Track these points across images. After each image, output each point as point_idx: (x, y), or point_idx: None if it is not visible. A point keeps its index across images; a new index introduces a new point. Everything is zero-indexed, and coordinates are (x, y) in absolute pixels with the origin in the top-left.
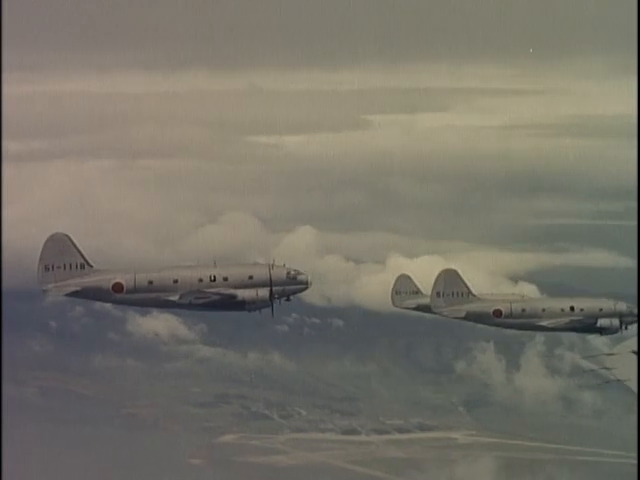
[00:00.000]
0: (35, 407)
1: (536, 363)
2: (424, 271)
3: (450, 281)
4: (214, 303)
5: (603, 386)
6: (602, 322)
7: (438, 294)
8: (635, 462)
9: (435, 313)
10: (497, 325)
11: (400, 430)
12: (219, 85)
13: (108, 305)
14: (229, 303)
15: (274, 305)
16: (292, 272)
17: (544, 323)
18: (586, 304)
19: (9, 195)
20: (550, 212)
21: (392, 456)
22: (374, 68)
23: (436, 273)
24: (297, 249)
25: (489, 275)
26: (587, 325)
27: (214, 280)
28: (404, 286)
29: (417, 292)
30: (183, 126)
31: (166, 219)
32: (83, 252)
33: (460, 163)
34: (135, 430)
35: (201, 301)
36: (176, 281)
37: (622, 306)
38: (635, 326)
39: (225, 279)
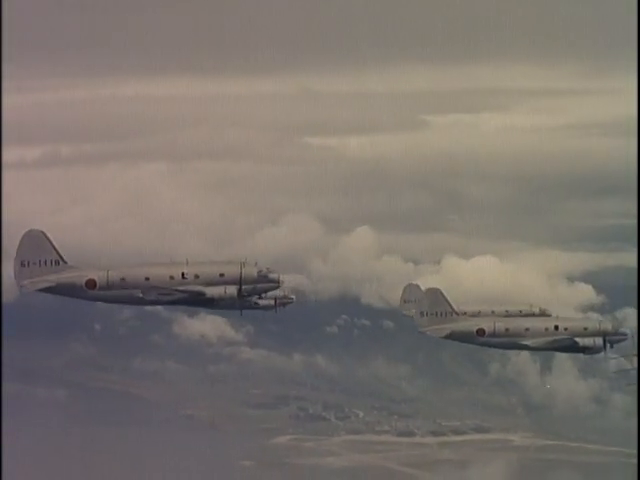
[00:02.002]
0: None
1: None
2: (478, 271)
3: (434, 300)
4: (182, 300)
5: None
6: (585, 342)
7: (422, 313)
8: None
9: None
10: (481, 344)
11: (456, 432)
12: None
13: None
14: (198, 300)
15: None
16: (263, 270)
17: (527, 342)
18: (570, 323)
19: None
20: (610, 213)
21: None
22: (433, 69)
23: (489, 274)
24: (355, 250)
25: (545, 275)
26: (571, 345)
27: (185, 277)
28: (412, 295)
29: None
30: (237, 129)
31: (225, 221)
32: (58, 249)
33: (522, 164)
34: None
35: (166, 298)
36: (148, 278)
37: (607, 325)
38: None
39: (196, 277)
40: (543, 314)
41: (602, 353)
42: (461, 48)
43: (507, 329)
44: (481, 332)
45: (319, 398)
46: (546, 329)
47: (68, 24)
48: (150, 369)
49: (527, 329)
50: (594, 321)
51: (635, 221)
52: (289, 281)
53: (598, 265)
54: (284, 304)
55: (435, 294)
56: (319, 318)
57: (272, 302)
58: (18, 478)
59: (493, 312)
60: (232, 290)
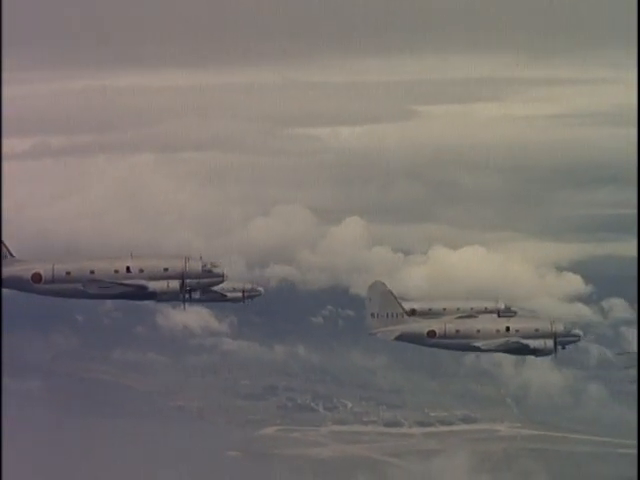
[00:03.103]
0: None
1: None
2: (465, 262)
3: (384, 302)
4: (125, 294)
5: None
6: (536, 344)
7: (372, 315)
8: None
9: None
10: (432, 346)
11: (443, 422)
12: (258, 78)
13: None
14: (140, 294)
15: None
16: (208, 265)
17: (479, 344)
18: (522, 324)
19: (57, 190)
20: (603, 203)
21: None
22: (426, 58)
23: (476, 264)
24: (345, 241)
25: (533, 265)
26: (522, 346)
27: (130, 271)
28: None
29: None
30: (228, 120)
31: (217, 212)
32: (6, 242)
33: (514, 154)
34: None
35: (109, 291)
36: (93, 272)
37: (559, 326)
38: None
39: (141, 271)
40: (508, 310)
41: (552, 355)
42: (454, 38)
43: (458, 330)
44: (432, 334)
45: (308, 388)
46: (497, 331)
47: (57, 16)
48: (135, 360)
49: (478, 330)
50: (546, 322)
51: (628, 210)
52: (278, 271)
53: (588, 255)
54: (252, 297)
55: (386, 296)
56: (306, 309)
57: (240, 294)
58: (6, 471)
59: (458, 309)
60: (175, 284)
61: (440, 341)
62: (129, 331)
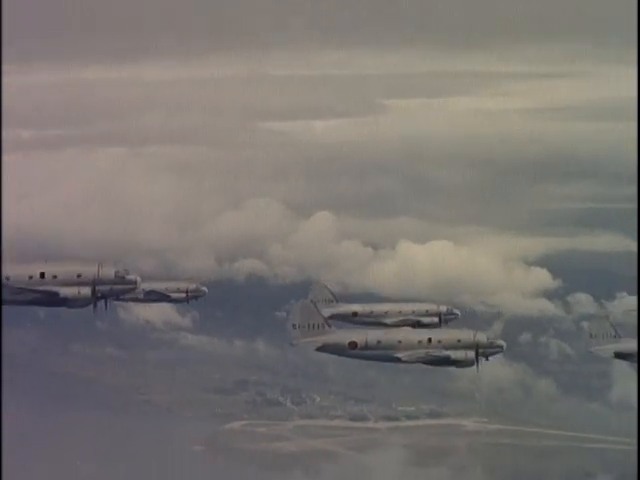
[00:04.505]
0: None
1: None
2: (432, 256)
3: (306, 313)
4: (37, 300)
5: None
6: (457, 355)
7: (294, 326)
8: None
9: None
10: (353, 357)
11: (409, 417)
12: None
13: None
14: (52, 300)
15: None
16: (120, 272)
17: (400, 355)
18: (444, 335)
19: (31, 185)
20: (574, 197)
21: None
22: (397, 52)
23: (443, 258)
24: (314, 235)
25: (501, 259)
26: (443, 358)
27: (44, 277)
28: (321, 295)
29: (332, 301)
30: (197, 113)
31: (188, 205)
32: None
33: (487, 148)
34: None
35: (21, 297)
36: (8, 278)
37: (482, 337)
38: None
39: (54, 277)
40: (450, 313)
41: (474, 366)
42: (425, 31)
43: (379, 341)
44: (353, 345)
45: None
46: (419, 342)
47: (24, 10)
48: (96, 354)
49: (399, 341)
50: (468, 333)
51: (599, 205)
52: (247, 265)
53: (557, 249)
54: (196, 297)
55: (307, 307)
56: (272, 303)
57: (184, 295)
58: None
59: (400, 312)
60: (86, 291)
61: (361, 352)
62: (90, 325)
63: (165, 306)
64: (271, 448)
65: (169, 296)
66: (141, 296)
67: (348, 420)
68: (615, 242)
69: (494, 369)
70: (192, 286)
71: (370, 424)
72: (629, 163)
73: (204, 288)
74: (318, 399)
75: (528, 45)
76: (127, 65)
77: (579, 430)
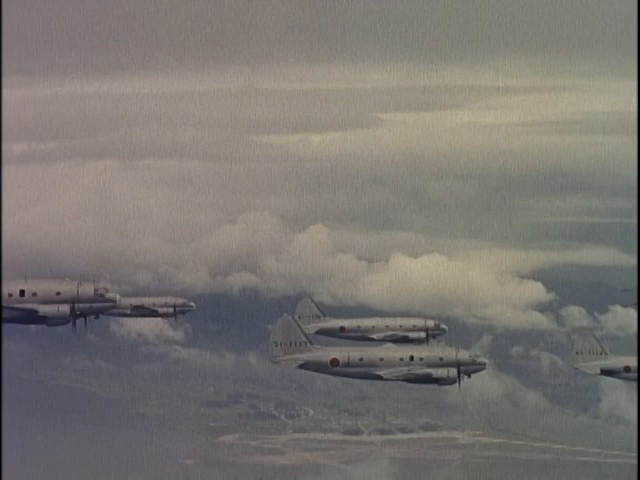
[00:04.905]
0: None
1: None
2: (426, 270)
3: (287, 330)
4: (16, 318)
5: None
6: (439, 372)
7: (275, 343)
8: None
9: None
10: (335, 374)
11: (404, 430)
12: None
13: None
14: (31, 318)
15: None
16: (100, 289)
17: (382, 373)
18: (426, 353)
19: (26, 198)
20: (567, 211)
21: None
22: (392, 66)
23: (437, 272)
24: (309, 248)
25: (495, 273)
26: (425, 375)
27: (23, 295)
28: (306, 310)
29: (319, 316)
30: (192, 126)
31: (183, 219)
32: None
33: (482, 161)
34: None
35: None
36: None
37: (464, 355)
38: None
39: (34, 294)
40: (437, 328)
41: (456, 384)
42: (419, 45)
43: (361, 359)
44: (335, 362)
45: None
46: (401, 359)
47: (18, 24)
48: (89, 367)
49: (381, 359)
50: (451, 351)
51: (593, 219)
52: (241, 279)
53: (551, 263)
54: (183, 312)
55: (288, 324)
56: (265, 316)
57: (171, 310)
58: None
59: (387, 326)
60: (65, 309)
61: (343, 369)
62: (81, 338)
63: (157, 319)
64: (264, 461)
65: (157, 311)
66: (128, 311)
67: (342, 433)
68: (610, 256)
69: (485, 382)
70: (179, 301)
71: (364, 437)
72: (624, 177)
73: (192, 303)
74: (312, 412)
75: (524, 58)
76: (121, 78)
77: (569, 443)
